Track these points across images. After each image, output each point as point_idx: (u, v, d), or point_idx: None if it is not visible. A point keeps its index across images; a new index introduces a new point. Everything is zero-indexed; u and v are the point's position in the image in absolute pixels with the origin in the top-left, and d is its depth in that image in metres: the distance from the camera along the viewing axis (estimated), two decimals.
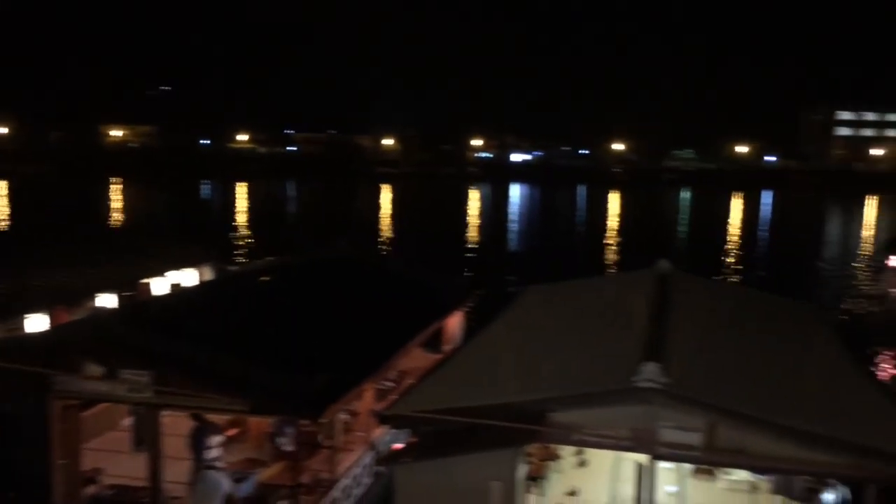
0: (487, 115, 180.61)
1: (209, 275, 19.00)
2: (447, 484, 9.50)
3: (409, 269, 20.95)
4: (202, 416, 11.68)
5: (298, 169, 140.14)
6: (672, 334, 10.62)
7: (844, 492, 11.34)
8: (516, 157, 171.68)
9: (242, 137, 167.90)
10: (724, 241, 59.56)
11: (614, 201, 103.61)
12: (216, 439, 11.58)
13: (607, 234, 64.03)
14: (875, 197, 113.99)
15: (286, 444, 12.12)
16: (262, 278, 17.81)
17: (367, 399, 13.56)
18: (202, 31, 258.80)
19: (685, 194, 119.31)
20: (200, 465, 11.32)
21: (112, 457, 12.56)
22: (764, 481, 12.63)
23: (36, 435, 11.28)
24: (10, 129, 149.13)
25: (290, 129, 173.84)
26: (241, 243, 51.45)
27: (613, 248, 55.70)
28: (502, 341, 13.20)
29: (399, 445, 11.97)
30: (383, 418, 9.88)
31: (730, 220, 78.11)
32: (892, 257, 28.70)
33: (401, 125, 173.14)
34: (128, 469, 11.88)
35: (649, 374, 8.75)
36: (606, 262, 47.00)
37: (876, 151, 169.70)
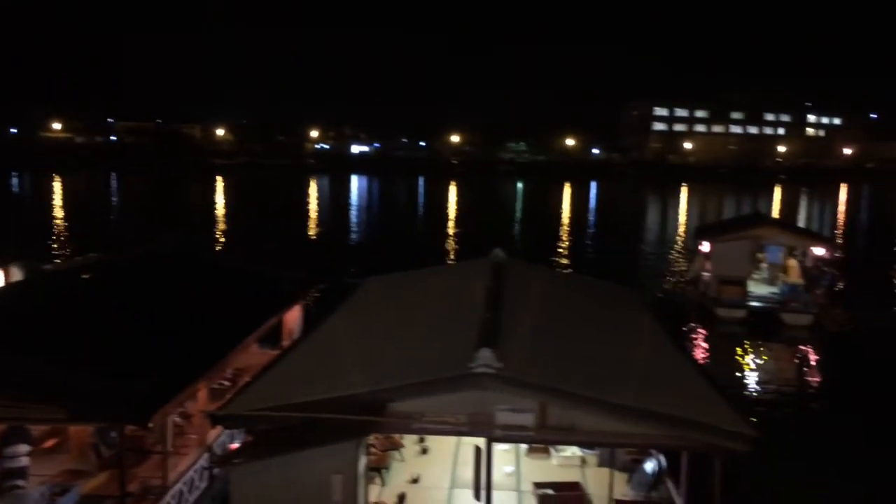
0: (325, 107, 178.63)
1: (18, 275, 17.45)
2: (286, 482, 9.31)
3: (245, 262, 20.34)
4: (12, 424, 10.75)
5: (122, 160, 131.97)
6: (506, 320, 10.97)
7: (662, 460, 12.24)
8: (356, 149, 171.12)
9: (57, 126, 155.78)
10: (556, 229, 62.39)
11: (453, 192, 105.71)
12: (22, 448, 10.69)
13: (446, 224, 65.23)
14: (686, 186, 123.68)
15: (111, 452, 11.39)
16: (82, 277, 16.61)
17: (200, 400, 13.01)
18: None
19: (520, 185, 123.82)
20: (5, 477, 10.41)
21: None
22: (592, 455, 13.39)
23: None
24: None
25: (112, 118, 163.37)
26: (57, 240, 47.72)
27: (452, 237, 56.85)
28: (342, 333, 13.08)
29: (233, 446, 11.59)
30: (216, 419, 9.51)
31: (561, 209, 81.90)
32: (703, 243, 30.97)
33: (234, 115, 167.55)
34: None
35: (484, 359, 8.99)
36: (446, 252, 47.88)
37: (687, 145, 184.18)
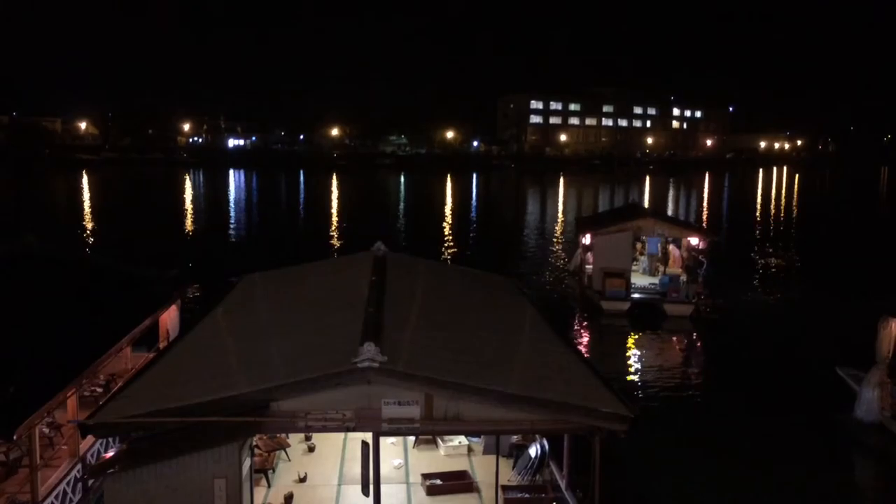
0: (197, 98, 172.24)
1: None
2: (165, 489, 8.95)
3: (116, 262, 19.32)
4: None
5: None
6: (389, 314, 10.96)
7: (545, 444, 12.60)
8: (231, 142, 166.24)
9: None
10: (438, 222, 62.91)
11: (334, 186, 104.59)
12: None
13: (329, 219, 64.47)
14: (563, 177, 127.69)
15: None
16: None
17: (70, 408, 12.29)
18: None
19: (402, 178, 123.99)
20: None
21: None
22: (478, 444, 13.62)
23: None
24: None
25: None
26: None
27: (334, 231, 56.25)
28: (221, 332, 12.70)
29: (107, 455, 11.03)
30: (86, 428, 8.98)
31: (443, 202, 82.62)
32: (585, 235, 31.29)
33: (99, 107, 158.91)
34: None
35: (368, 353, 8.95)
36: (328, 247, 47.31)
37: (563, 137, 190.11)
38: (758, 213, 75.86)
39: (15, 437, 9.69)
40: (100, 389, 14.70)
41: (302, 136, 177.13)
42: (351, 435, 12.78)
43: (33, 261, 17.56)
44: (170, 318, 17.20)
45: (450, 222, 63.56)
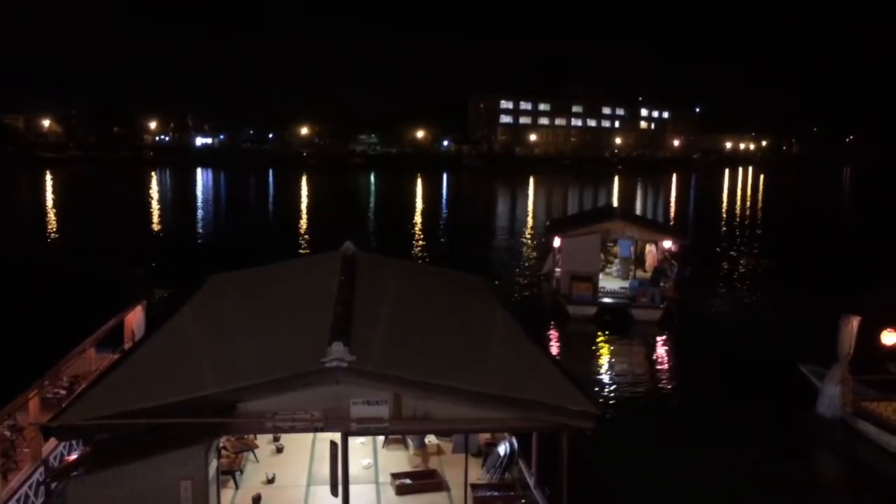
0: (163, 95, 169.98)
1: None
2: (130, 492, 8.84)
3: (79, 262, 19.02)
4: None
5: None
6: (358, 313, 10.91)
7: (514, 442, 12.65)
8: (200, 141, 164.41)
9: None
10: (409, 221, 62.85)
11: (304, 185, 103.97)
12: None
13: (298, 218, 64.08)
14: (533, 177, 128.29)
15: None
16: None
17: (32, 410, 12.06)
18: None
19: (372, 177, 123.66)
20: None
21: None
22: (447, 442, 13.63)
23: None
24: None
25: None
26: None
27: (304, 231, 55.92)
28: (187, 332, 12.54)
29: (70, 458, 10.85)
30: (48, 430, 8.82)
31: (414, 201, 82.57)
32: (555, 237, 29.97)
33: (62, 104, 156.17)
34: None
35: (336, 353, 8.90)
36: (298, 246, 47.02)
37: (532, 137, 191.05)
38: (723, 213, 76.93)
39: None
40: (63, 391, 14.46)
41: (271, 135, 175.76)
42: (320, 435, 12.70)
43: None
44: (135, 318, 16.96)
45: (420, 222, 63.55)
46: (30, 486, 11.55)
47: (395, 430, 9.43)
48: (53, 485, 10.95)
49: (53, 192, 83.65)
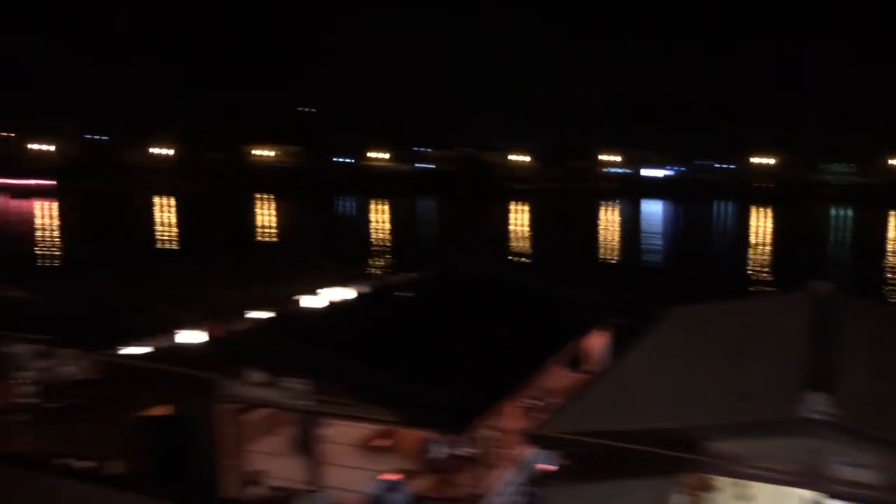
0: (617, 129, 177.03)
1: (356, 290, 19.65)
2: None
3: (547, 285, 20.83)
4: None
5: (431, 185, 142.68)
6: (838, 362, 9.99)
7: None
8: (649, 172, 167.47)
9: (378, 155, 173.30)
10: (882, 259, 55.42)
11: (762, 217, 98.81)
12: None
13: (755, 253, 61.14)
14: None
15: (438, 457, 12.33)
16: (404, 293, 18.26)
17: (512, 416, 13.56)
18: (341, 57, 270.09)
19: (840, 211, 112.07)
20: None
21: (274, 460, 13.20)
22: None
23: (204, 436, 12.03)
24: (173, 150, 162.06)
25: (423, 147, 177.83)
26: (378, 259, 52.91)
27: (763, 267, 53.08)
28: (649, 363, 12.85)
29: (546, 466, 11.89)
30: (531, 438, 9.84)
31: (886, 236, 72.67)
32: None
33: (531, 141, 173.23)
34: (289, 472, 12.44)
35: (817, 404, 8.26)
36: (755, 283, 44.81)
37: None
38: None
39: (467, 435, 11.03)
40: (536, 402, 15.93)
41: (727, 165, 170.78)
42: (786, 489, 11.89)
43: (478, 280, 19.89)
44: (597, 342, 17.96)
45: None
46: (508, 485, 12.98)
47: (887, 501, 8.35)
48: (531, 489, 12.15)
49: (524, 221, 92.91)
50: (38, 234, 71.14)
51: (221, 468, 12.03)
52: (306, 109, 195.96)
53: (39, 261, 51.00)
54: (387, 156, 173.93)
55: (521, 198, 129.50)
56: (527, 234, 74.56)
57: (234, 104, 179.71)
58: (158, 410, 12.85)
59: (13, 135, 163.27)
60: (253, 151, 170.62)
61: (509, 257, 55.06)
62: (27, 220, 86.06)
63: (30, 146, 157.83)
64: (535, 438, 9.69)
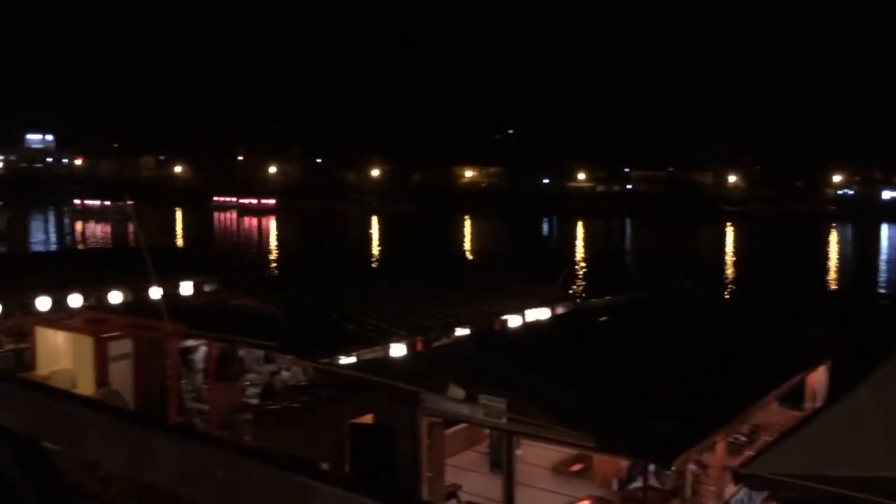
0: (846, 148, 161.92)
1: (559, 311, 19.64)
2: None
3: (763, 314, 19.56)
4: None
5: (635, 206, 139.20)
6: None
7: None
8: (889, 195, 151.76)
9: (581, 176, 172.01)
10: None
11: None
12: None
13: None
14: None
15: (635, 488, 11.95)
16: (606, 316, 17.93)
17: (718, 452, 12.84)
18: (542, 78, 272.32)
19: None
20: None
21: (470, 475, 13.48)
22: None
23: (407, 447, 12.53)
24: (380, 171, 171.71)
25: (628, 168, 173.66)
26: (580, 280, 52.40)
27: None
28: (879, 402, 11.64)
29: None
30: (740, 476, 9.25)
31: None
32: None
33: (745, 160, 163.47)
34: (483, 489, 12.64)
35: None
36: None
37: None
38: None
39: (672, 468, 10.57)
40: (744, 438, 14.98)
41: None
42: None
43: (688, 304, 19.06)
44: (818, 377, 16.56)
45: None
46: None
47: None
48: None
49: (734, 244, 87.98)
50: (263, 248, 78.07)
51: (423, 479, 12.45)
52: (510, 130, 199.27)
53: (265, 273, 55.95)
54: (588, 175, 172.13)
55: (732, 220, 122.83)
56: (739, 259, 70.42)
57: (443, 126, 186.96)
58: (366, 418, 13.57)
59: (241, 157, 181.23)
60: (459, 172, 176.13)
61: (719, 282, 52.28)
62: (253, 236, 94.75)
63: (258, 168, 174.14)
64: (744, 477, 9.10)
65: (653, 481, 11.87)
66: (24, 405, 2.03)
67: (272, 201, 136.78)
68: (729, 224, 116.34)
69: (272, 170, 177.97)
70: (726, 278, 55.83)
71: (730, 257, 72.44)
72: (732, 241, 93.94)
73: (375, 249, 76.65)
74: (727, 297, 45.60)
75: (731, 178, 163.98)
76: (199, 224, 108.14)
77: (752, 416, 13.53)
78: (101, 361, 17.85)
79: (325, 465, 13.39)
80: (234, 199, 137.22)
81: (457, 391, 12.25)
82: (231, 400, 16.97)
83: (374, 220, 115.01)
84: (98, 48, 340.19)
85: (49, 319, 20.28)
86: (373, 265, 59.92)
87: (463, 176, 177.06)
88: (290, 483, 1.18)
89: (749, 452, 12.74)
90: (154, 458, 1.60)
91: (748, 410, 12.78)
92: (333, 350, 15.48)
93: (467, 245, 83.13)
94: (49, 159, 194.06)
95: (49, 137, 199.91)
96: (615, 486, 12.83)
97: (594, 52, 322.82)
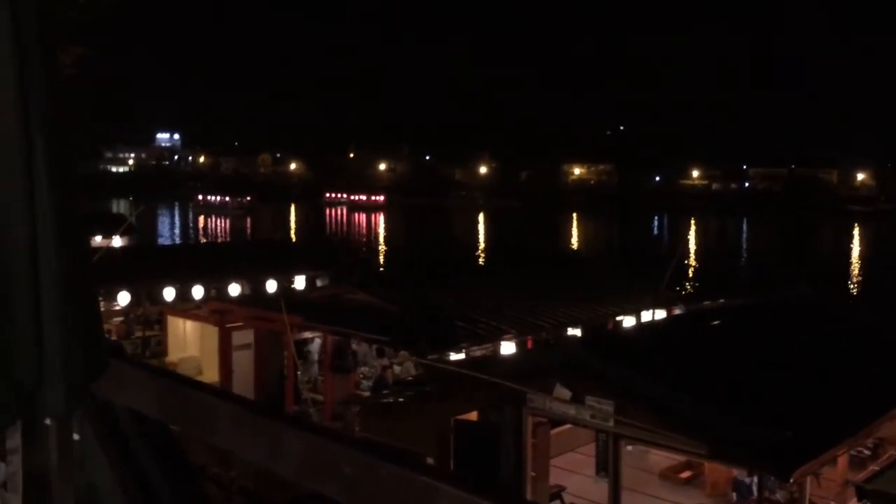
0: None
1: (672, 312, 19.13)
2: None
3: (889, 322, 18.40)
4: None
5: (753, 206, 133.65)
6: None
7: None
8: None
9: (695, 174, 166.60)
10: None
11: None
12: None
13: None
14: None
15: (747, 500, 11.52)
16: (722, 319, 17.32)
17: (839, 466, 12.20)
18: (651, 80, 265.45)
19: None
20: None
21: (574, 477, 13.34)
22: None
23: (512, 446, 12.52)
24: (487, 168, 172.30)
25: (746, 165, 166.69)
26: (692, 281, 50.83)
27: None
28: None
29: None
30: (864, 492, 8.76)
31: None
32: None
33: (876, 156, 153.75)
34: (588, 492, 12.49)
35: None
36: None
37: None
38: None
39: (791, 480, 10.10)
40: (867, 452, 14.16)
41: None
42: None
43: (810, 310, 18.15)
44: None
45: None
46: None
47: None
48: None
49: (860, 246, 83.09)
50: (373, 243, 79.72)
51: (527, 478, 12.42)
52: (621, 127, 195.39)
53: (377, 268, 57.11)
54: (702, 173, 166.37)
55: (859, 220, 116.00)
56: (864, 262, 66.42)
57: (553, 124, 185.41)
58: (471, 415, 13.65)
59: (351, 155, 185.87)
60: (568, 169, 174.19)
61: (846, 288, 49.52)
62: (363, 231, 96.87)
63: (367, 165, 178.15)
64: (870, 493, 8.62)
65: (767, 493, 11.40)
66: (153, 390, 2.18)
67: (381, 198, 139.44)
68: (855, 224, 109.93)
69: (381, 167, 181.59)
70: (851, 282, 52.78)
71: (855, 260, 68.42)
72: (858, 242, 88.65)
73: (482, 245, 76.90)
74: (850, 302, 43.12)
75: (860, 177, 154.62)
76: (312, 220, 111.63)
77: (877, 428, 12.77)
78: (226, 350, 18.78)
79: (429, 461, 13.59)
80: (344, 196, 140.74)
81: (563, 391, 12.14)
82: (345, 391, 17.46)
83: (481, 216, 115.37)
84: (218, 52, 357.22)
85: (178, 309, 21.44)
86: (482, 262, 60.14)
87: (572, 173, 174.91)
88: (415, 483, 1.23)
89: (873, 467, 12.03)
90: (281, 449, 1.70)
91: (874, 423, 12.06)
92: (444, 346, 15.64)
93: (574, 242, 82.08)
94: (175, 157, 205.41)
95: (176, 137, 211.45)
96: (734, 497, 12.36)
97: (713, 50, 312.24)
